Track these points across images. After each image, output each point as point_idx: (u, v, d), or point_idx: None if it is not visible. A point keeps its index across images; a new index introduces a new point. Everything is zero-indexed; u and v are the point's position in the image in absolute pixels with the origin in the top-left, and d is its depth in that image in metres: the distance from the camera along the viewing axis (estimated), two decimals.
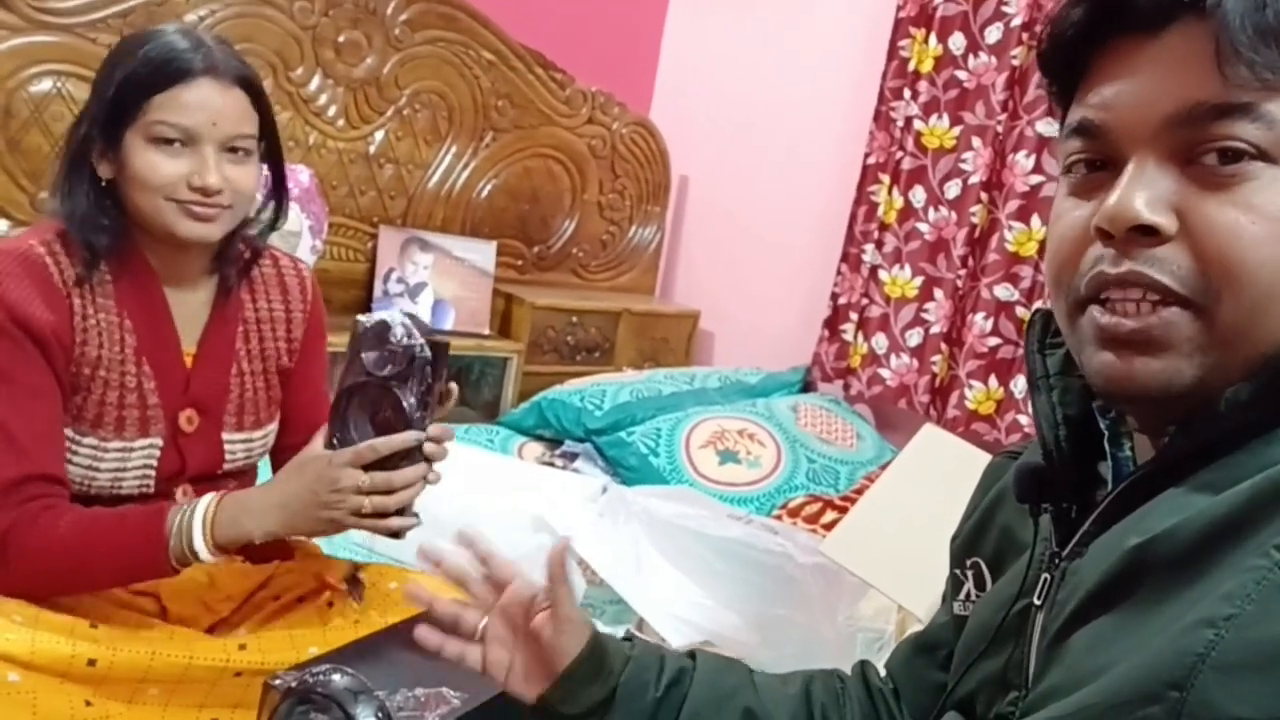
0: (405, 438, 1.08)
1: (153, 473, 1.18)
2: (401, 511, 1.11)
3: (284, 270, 1.31)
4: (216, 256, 1.22)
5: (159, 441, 1.18)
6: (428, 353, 1.10)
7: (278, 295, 1.30)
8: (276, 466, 1.30)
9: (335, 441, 1.10)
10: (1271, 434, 0.57)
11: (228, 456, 1.25)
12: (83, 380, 1.12)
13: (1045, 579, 0.67)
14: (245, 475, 1.32)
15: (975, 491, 0.87)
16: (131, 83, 1.08)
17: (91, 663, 1.02)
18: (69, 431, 1.12)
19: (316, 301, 1.34)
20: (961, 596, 0.84)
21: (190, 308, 1.21)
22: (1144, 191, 0.57)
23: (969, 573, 0.83)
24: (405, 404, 1.09)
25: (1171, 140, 0.58)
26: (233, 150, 1.13)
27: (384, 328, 1.09)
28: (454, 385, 1.16)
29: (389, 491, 1.08)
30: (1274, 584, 0.49)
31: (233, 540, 1.09)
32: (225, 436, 1.24)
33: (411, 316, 1.12)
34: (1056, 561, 0.66)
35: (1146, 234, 0.57)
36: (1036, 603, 0.67)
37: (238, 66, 1.14)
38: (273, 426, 1.31)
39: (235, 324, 1.25)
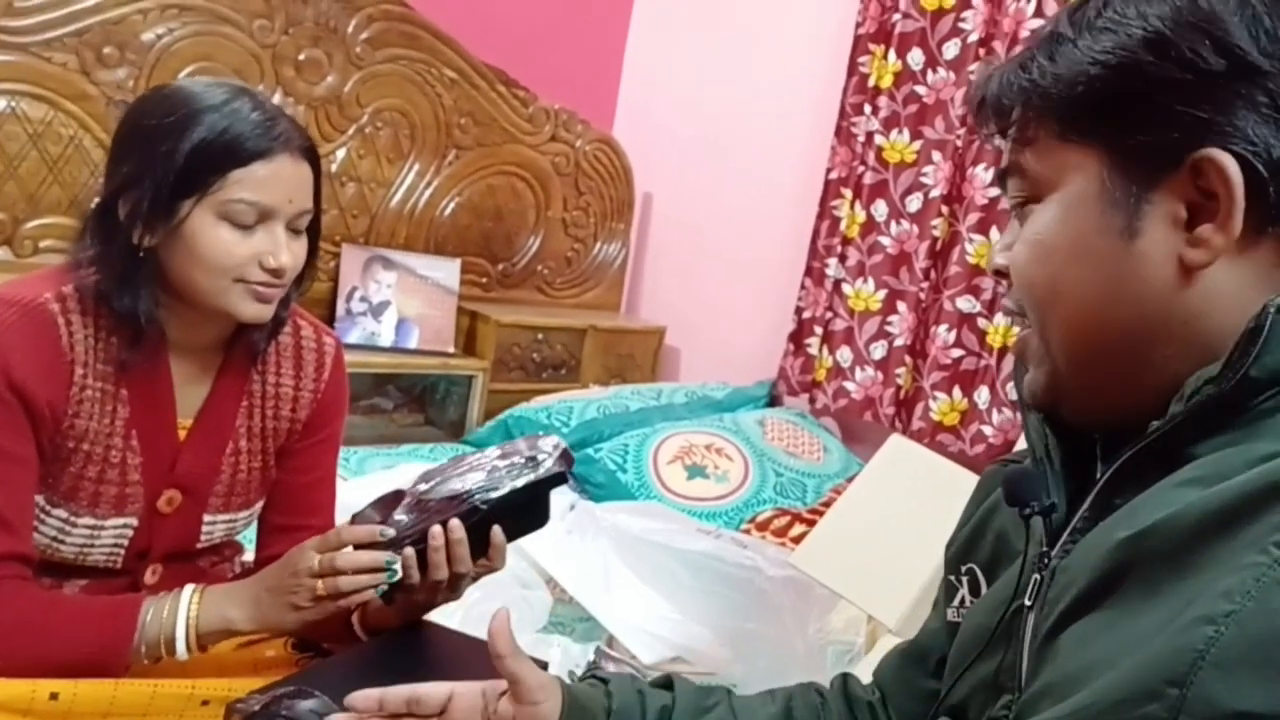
0: (370, 529, 1.02)
1: (122, 551, 1.12)
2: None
3: (303, 342, 1.21)
4: (236, 329, 1.13)
5: (133, 522, 1.11)
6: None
7: (290, 369, 1.20)
8: (264, 544, 1.25)
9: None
10: (1258, 426, 0.57)
11: (204, 536, 1.18)
12: (64, 451, 1.05)
13: (1036, 579, 0.67)
14: (226, 549, 1.27)
15: (971, 499, 0.87)
16: (206, 154, 1.00)
17: (54, 696, 0.98)
18: (38, 499, 1.05)
19: (334, 381, 1.23)
20: (955, 603, 0.84)
21: (194, 377, 1.13)
22: (1002, 240, 0.71)
23: (964, 579, 0.83)
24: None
25: (1008, 199, 0.71)
26: (295, 226, 1.07)
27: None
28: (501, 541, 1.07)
29: (338, 572, 1.01)
30: (1273, 580, 0.49)
31: (216, 635, 1.04)
32: (207, 517, 1.17)
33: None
34: (1046, 561, 0.67)
35: (1002, 275, 0.70)
36: (1028, 604, 0.68)
37: (304, 138, 1.07)
38: (260, 504, 1.23)
39: (239, 398, 1.16)
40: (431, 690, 0.87)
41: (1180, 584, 0.53)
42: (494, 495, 1.04)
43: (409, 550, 1.02)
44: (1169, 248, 0.61)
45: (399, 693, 0.87)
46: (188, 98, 1.04)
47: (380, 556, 1.02)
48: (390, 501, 1.07)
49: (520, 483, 1.04)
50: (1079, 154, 0.64)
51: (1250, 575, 0.50)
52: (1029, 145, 0.66)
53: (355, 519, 1.08)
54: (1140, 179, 0.62)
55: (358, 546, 1.03)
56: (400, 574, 1.03)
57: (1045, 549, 0.67)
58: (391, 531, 1.02)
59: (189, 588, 1.05)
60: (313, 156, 1.09)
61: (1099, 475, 0.67)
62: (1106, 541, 0.58)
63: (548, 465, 1.05)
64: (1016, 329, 0.72)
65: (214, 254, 1.02)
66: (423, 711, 0.87)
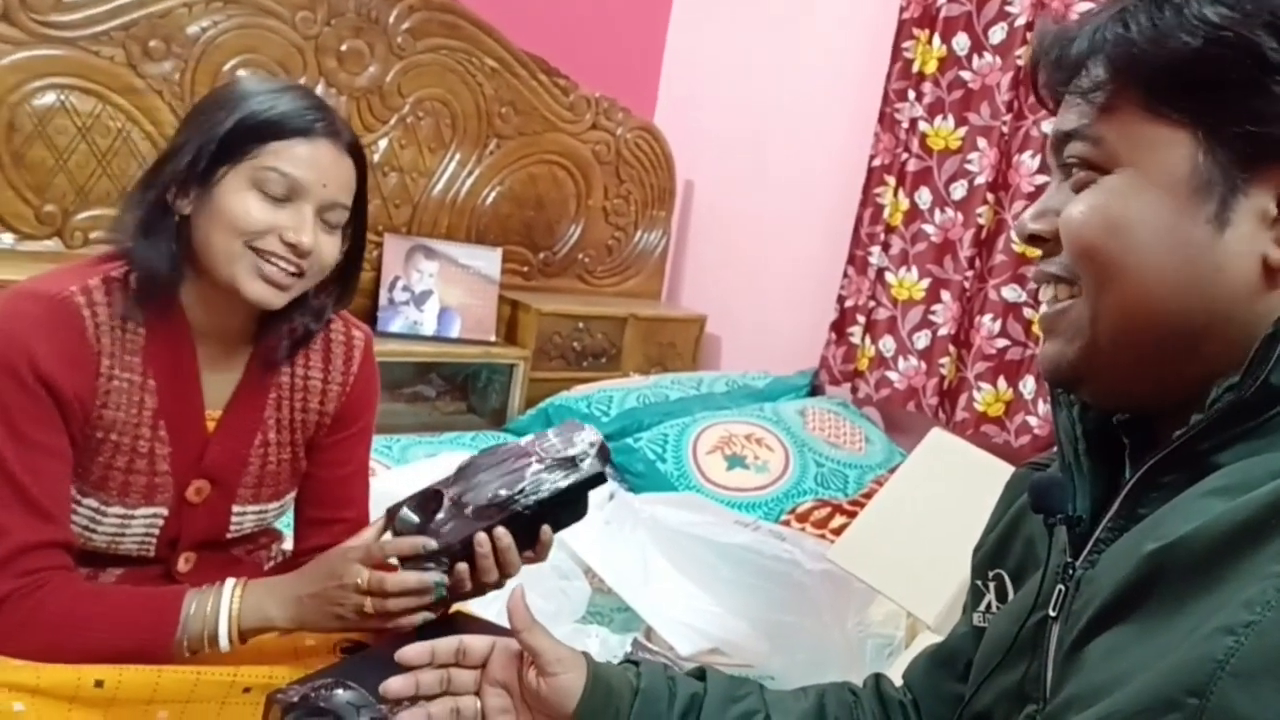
0: (414, 542, 1.03)
1: (153, 540, 1.14)
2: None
3: (332, 335, 1.22)
4: (263, 321, 1.15)
5: (163, 511, 1.13)
6: (596, 463, 1.05)
7: (318, 362, 1.21)
8: (300, 537, 1.27)
9: (453, 490, 1.05)
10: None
11: (233, 527, 1.20)
12: (93, 442, 1.07)
13: (1060, 590, 0.67)
14: (262, 537, 1.28)
15: (999, 503, 0.86)
16: (249, 124, 1.04)
17: (99, 684, 0.99)
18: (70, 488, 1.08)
19: (363, 374, 1.24)
20: (982, 608, 0.84)
21: (223, 368, 1.15)
22: (1040, 205, 0.68)
23: (991, 584, 0.83)
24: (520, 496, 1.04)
25: (1058, 160, 0.68)
26: (328, 218, 1.08)
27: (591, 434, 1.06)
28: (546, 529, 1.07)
29: (386, 594, 1.02)
30: None
31: (256, 630, 1.06)
32: (236, 508, 1.19)
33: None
34: (1071, 572, 0.66)
35: (1036, 240, 0.68)
36: (1052, 614, 0.67)
37: (353, 135, 1.11)
38: (291, 495, 1.25)
39: (268, 390, 1.18)
40: (477, 642, 0.92)
41: (1206, 596, 0.52)
42: (535, 499, 1.04)
43: (462, 566, 1.03)
44: (1254, 244, 0.59)
45: (449, 643, 0.91)
46: (244, 85, 1.10)
47: (428, 579, 1.03)
48: (428, 503, 1.07)
49: (563, 485, 1.04)
50: (1169, 130, 0.60)
51: (1271, 585, 0.49)
52: (1109, 113, 0.62)
53: (393, 519, 1.08)
54: (1239, 167, 0.59)
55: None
56: (446, 594, 1.05)
57: (1070, 559, 0.67)
58: (434, 544, 1.03)
59: (230, 582, 1.06)
60: (357, 154, 1.11)
61: (1124, 482, 0.66)
62: (1133, 553, 0.58)
63: (587, 465, 1.05)
64: (1048, 294, 0.68)
65: (234, 213, 1.04)
66: (469, 662, 0.91)
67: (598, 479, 1.06)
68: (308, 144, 1.05)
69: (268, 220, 1.04)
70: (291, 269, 1.07)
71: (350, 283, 1.19)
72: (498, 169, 2.86)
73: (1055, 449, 0.73)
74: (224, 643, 1.04)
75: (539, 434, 1.10)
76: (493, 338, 2.77)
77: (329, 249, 1.10)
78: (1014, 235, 0.74)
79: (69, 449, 1.05)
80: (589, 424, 1.12)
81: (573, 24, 3.01)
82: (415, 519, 1.06)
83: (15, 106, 2.09)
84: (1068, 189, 0.66)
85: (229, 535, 1.20)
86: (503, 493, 1.04)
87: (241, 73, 2.33)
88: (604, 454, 1.07)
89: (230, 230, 1.04)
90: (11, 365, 1.00)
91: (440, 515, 1.06)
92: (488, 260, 2.80)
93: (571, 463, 1.05)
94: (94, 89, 2.17)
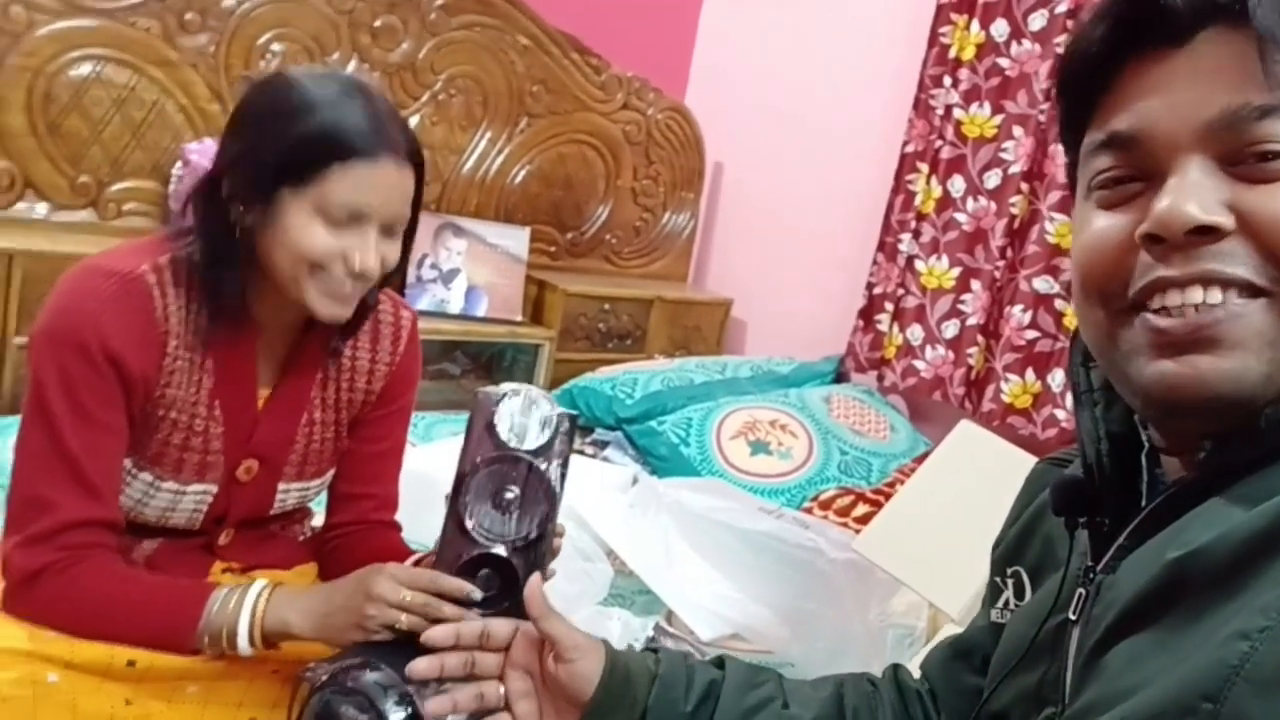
0: (462, 587, 0.96)
1: (201, 514, 1.15)
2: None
3: (381, 316, 1.22)
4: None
5: (213, 488, 1.14)
6: (567, 424, 0.99)
7: (366, 343, 1.22)
8: (331, 511, 1.28)
9: (459, 529, 0.97)
10: None
11: (277, 504, 1.21)
12: (153, 419, 1.08)
13: (1080, 594, 0.66)
14: (296, 514, 1.29)
15: (1018, 498, 0.86)
16: (311, 144, 1.01)
17: (131, 663, 1.01)
18: (126, 462, 1.08)
19: (409, 354, 1.25)
20: (1000, 604, 0.83)
21: (273, 348, 1.16)
22: (1194, 193, 0.57)
23: (1009, 581, 0.82)
24: (550, 478, 0.98)
25: (1213, 144, 0.58)
26: (389, 230, 1.07)
27: (518, 396, 0.98)
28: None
29: (429, 618, 0.96)
30: None
31: (276, 635, 1.02)
32: (281, 486, 1.20)
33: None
34: (1091, 576, 0.65)
35: (1204, 234, 0.57)
36: (1072, 618, 0.67)
37: (412, 142, 1.08)
38: (331, 472, 1.25)
39: (315, 370, 1.19)
40: (501, 625, 0.92)
41: (1226, 603, 0.52)
42: (559, 500, 1.01)
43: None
44: None
45: (473, 626, 0.92)
46: (303, 89, 1.04)
47: (476, 626, 0.96)
48: (501, 569, 1.00)
49: (567, 468, 1.01)
50: None
51: None
52: None
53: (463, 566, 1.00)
54: None
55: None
56: None
57: (1090, 563, 0.66)
58: (479, 595, 0.98)
59: (258, 584, 1.04)
60: (418, 161, 1.09)
61: (1144, 486, 0.66)
62: (1155, 561, 0.57)
63: (563, 426, 1.00)
64: (1215, 296, 0.57)
65: (301, 243, 1.02)
66: (492, 646, 0.92)
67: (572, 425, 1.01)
68: (371, 166, 1.02)
69: (332, 247, 1.03)
70: (356, 289, 1.06)
71: (397, 269, 1.17)
72: (528, 148, 2.85)
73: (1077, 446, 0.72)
74: (243, 644, 1.01)
75: (492, 415, 0.98)
76: (519, 317, 2.78)
77: (391, 255, 1.08)
78: (1155, 227, 0.58)
79: (126, 427, 1.06)
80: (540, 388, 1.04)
81: (606, 3, 3.00)
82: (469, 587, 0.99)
83: (52, 77, 2.10)
84: (1233, 178, 0.58)
85: (272, 512, 1.22)
86: (537, 529, 0.99)
87: (294, 68, 2.34)
88: (572, 419, 1.01)
89: (295, 256, 1.03)
90: (81, 341, 1.00)
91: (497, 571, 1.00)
92: (515, 239, 2.80)
93: (552, 437, 0.99)
94: (129, 61, 2.18)
